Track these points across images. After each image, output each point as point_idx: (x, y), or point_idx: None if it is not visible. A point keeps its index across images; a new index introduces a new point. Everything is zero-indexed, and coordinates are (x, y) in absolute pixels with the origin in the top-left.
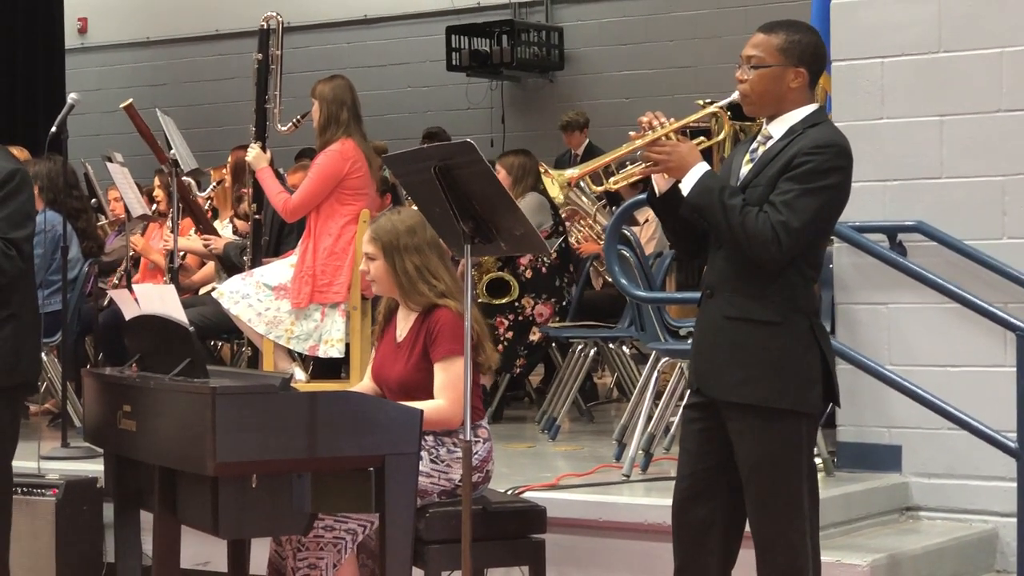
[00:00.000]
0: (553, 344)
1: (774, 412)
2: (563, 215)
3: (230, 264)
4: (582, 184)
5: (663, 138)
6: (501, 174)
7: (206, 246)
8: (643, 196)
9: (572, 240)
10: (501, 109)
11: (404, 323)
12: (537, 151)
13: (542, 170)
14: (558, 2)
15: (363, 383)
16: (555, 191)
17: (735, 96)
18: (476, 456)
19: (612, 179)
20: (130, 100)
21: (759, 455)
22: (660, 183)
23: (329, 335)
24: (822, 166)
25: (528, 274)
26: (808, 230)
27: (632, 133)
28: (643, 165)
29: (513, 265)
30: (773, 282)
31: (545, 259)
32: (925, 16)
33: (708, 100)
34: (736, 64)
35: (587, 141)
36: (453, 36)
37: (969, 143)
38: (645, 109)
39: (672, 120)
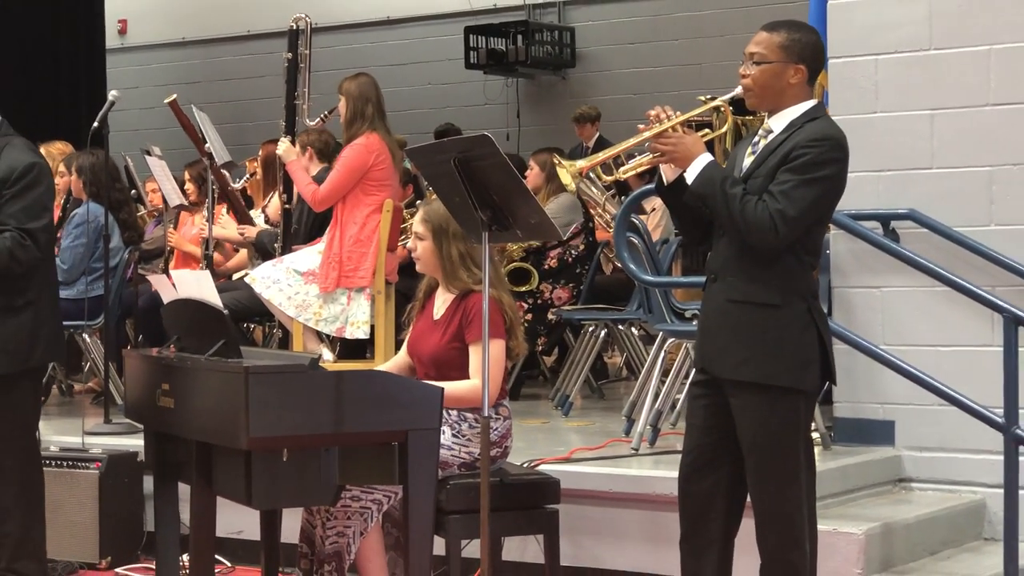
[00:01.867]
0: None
1: (773, 389)
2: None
3: (263, 251)
4: (591, 176)
5: (670, 130)
6: (534, 171)
7: (241, 234)
8: (651, 186)
9: None
10: (516, 105)
11: (441, 301)
12: (550, 144)
13: (556, 161)
14: (570, 3)
15: (398, 357)
16: (567, 179)
17: (738, 91)
18: (496, 432)
19: (622, 168)
20: (174, 96)
21: (759, 429)
22: (667, 173)
23: (355, 317)
24: (819, 158)
25: (553, 263)
26: (804, 218)
27: (640, 126)
28: (651, 156)
29: (540, 255)
30: (773, 267)
31: (573, 251)
32: (916, 16)
33: (710, 96)
34: (738, 62)
35: (598, 134)
36: (471, 36)
37: (959, 135)
38: (652, 104)
39: (678, 113)
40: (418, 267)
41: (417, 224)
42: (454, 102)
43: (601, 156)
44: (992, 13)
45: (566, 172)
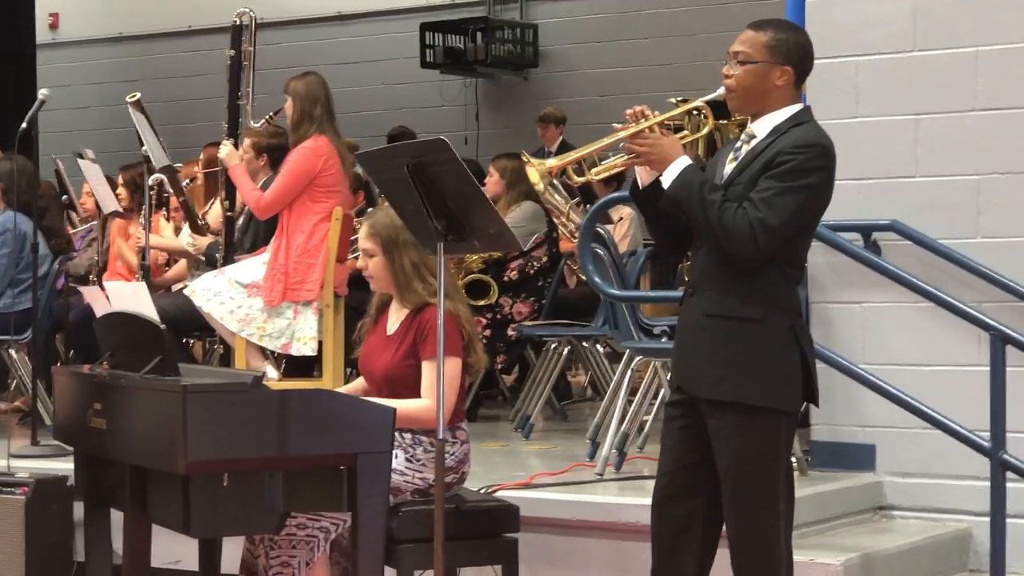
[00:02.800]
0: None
1: (752, 409)
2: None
3: (214, 264)
4: (555, 183)
5: (647, 131)
6: (494, 177)
7: (192, 244)
8: (617, 194)
9: None
10: (475, 107)
11: (396, 316)
12: (511, 149)
13: (524, 159)
14: None
15: (356, 382)
16: (535, 178)
17: (720, 92)
18: (453, 457)
19: (594, 170)
20: (137, 95)
21: (736, 452)
22: (643, 176)
23: (302, 333)
24: (803, 165)
25: (514, 275)
26: (786, 228)
27: (616, 125)
28: (625, 157)
29: (500, 267)
30: (754, 280)
31: (535, 263)
32: (900, 14)
33: (681, 98)
34: (712, 62)
35: (561, 139)
36: (427, 33)
37: (944, 142)
38: (620, 107)
39: (656, 113)
40: (372, 286)
41: (364, 240)
42: (409, 103)
43: (572, 155)
44: (980, 12)
45: (535, 171)
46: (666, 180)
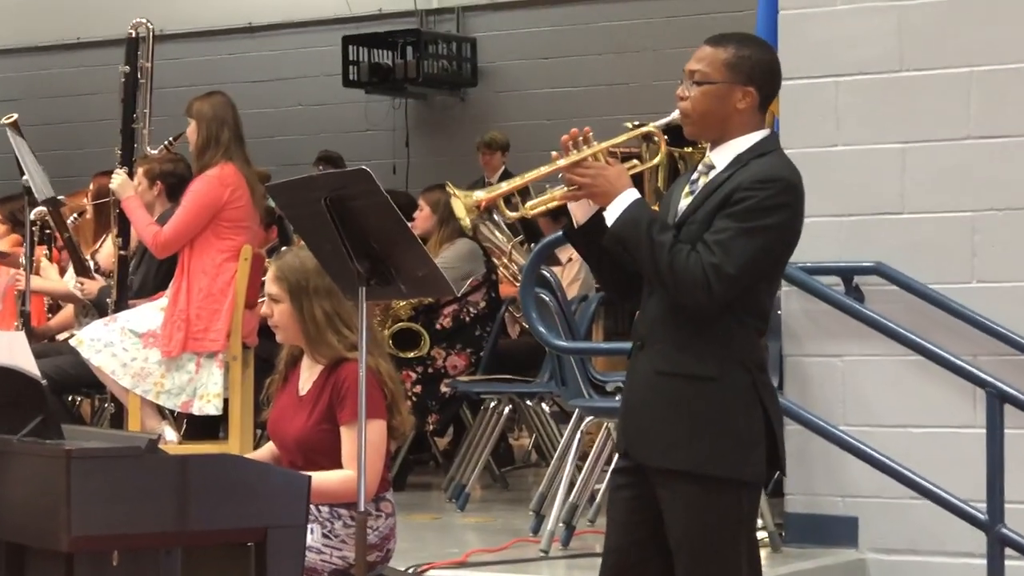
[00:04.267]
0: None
1: (709, 480)
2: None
3: (104, 310)
4: (496, 218)
5: (589, 159)
6: (424, 212)
7: (80, 288)
8: None
9: None
10: (405, 131)
11: (308, 374)
12: (445, 179)
13: (449, 190)
14: (471, 9)
15: (267, 447)
16: (461, 212)
17: (675, 116)
18: (376, 532)
19: (529, 203)
20: (14, 116)
21: (692, 528)
22: (577, 213)
23: (205, 389)
24: (764, 203)
25: (447, 323)
26: (744, 275)
27: (555, 153)
28: (564, 189)
29: (431, 314)
30: (710, 332)
31: (471, 309)
32: (885, 30)
33: (638, 123)
34: (673, 81)
35: (504, 168)
36: (350, 47)
37: (935, 174)
38: (567, 131)
39: (597, 144)
40: (279, 337)
41: (270, 284)
42: (329, 127)
43: (505, 187)
44: (974, 27)
45: (461, 205)
46: (610, 216)
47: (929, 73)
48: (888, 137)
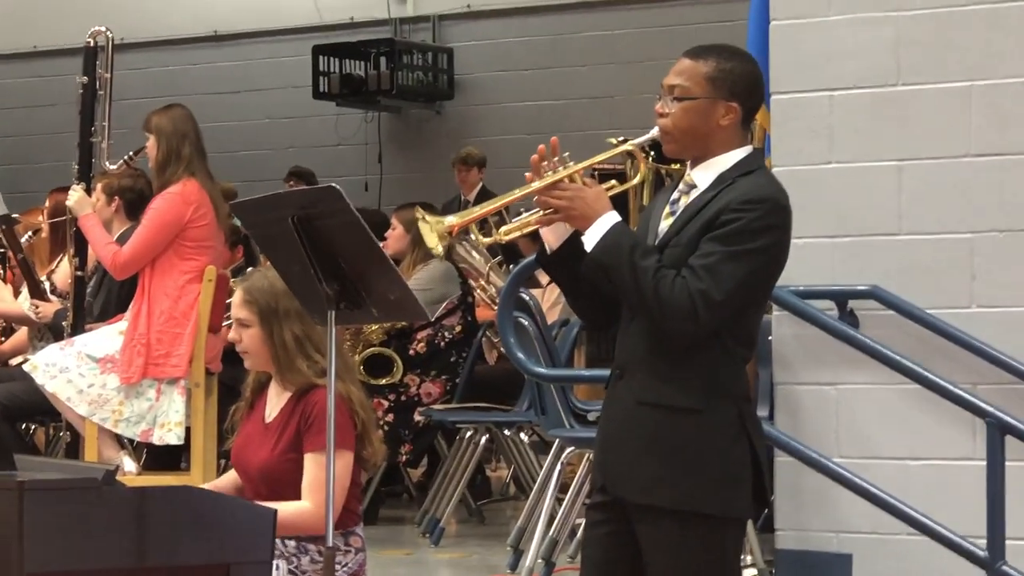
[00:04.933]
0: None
1: (692, 517)
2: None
3: (60, 334)
4: (472, 237)
5: (565, 180)
6: (397, 231)
7: (35, 311)
8: None
9: None
10: (378, 146)
11: (276, 400)
12: (419, 196)
13: (418, 216)
14: (448, 18)
15: (227, 475)
16: (432, 241)
17: (654, 133)
18: (345, 569)
19: (504, 228)
20: None
21: (673, 567)
22: (550, 238)
23: (166, 417)
24: (751, 225)
25: (421, 348)
26: (732, 301)
27: (528, 174)
28: (540, 212)
29: (405, 338)
30: (694, 361)
31: (446, 334)
32: (881, 41)
33: (622, 139)
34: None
35: (481, 185)
36: (321, 57)
37: (933, 193)
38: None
39: (573, 163)
40: (247, 363)
41: (237, 307)
42: (299, 141)
43: (478, 211)
44: (975, 39)
45: (431, 231)
46: (589, 241)
47: (927, 87)
48: (884, 154)
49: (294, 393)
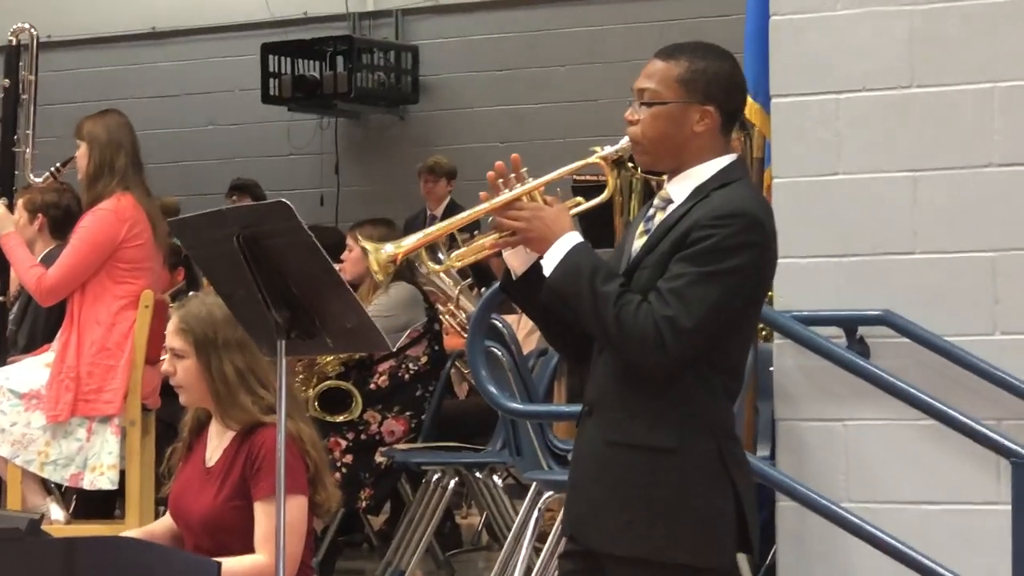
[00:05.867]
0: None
1: (669, 568)
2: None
3: None
4: (422, 268)
5: (524, 198)
6: (355, 252)
7: None
8: None
9: None
10: (334, 155)
11: (217, 441)
12: (380, 212)
13: (354, 240)
14: (412, 13)
15: (160, 521)
16: (374, 267)
17: (624, 142)
18: None
19: (455, 254)
20: None
21: None
22: (514, 263)
23: (97, 459)
24: (724, 243)
25: (383, 381)
26: (704, 328)
27: (483, 193)
28: (496, 235)
29: (365, 370)
30: (669, 396)
31: (411, 365)
32: (894, 39)
33: (608, 147)
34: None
35: (449, 198)
36: (271, 57)
37: (951, 207)
38: (526, 156)
39: (531, 180)
40: (183, 398)
41: (172, 337)
42: (246, 150)
43: (421, 236)
44: (996, 36)
45: (373, 259)
46: (547, 265)
47: (945, 89)
48: (897, 164)
49: (238, 433)
